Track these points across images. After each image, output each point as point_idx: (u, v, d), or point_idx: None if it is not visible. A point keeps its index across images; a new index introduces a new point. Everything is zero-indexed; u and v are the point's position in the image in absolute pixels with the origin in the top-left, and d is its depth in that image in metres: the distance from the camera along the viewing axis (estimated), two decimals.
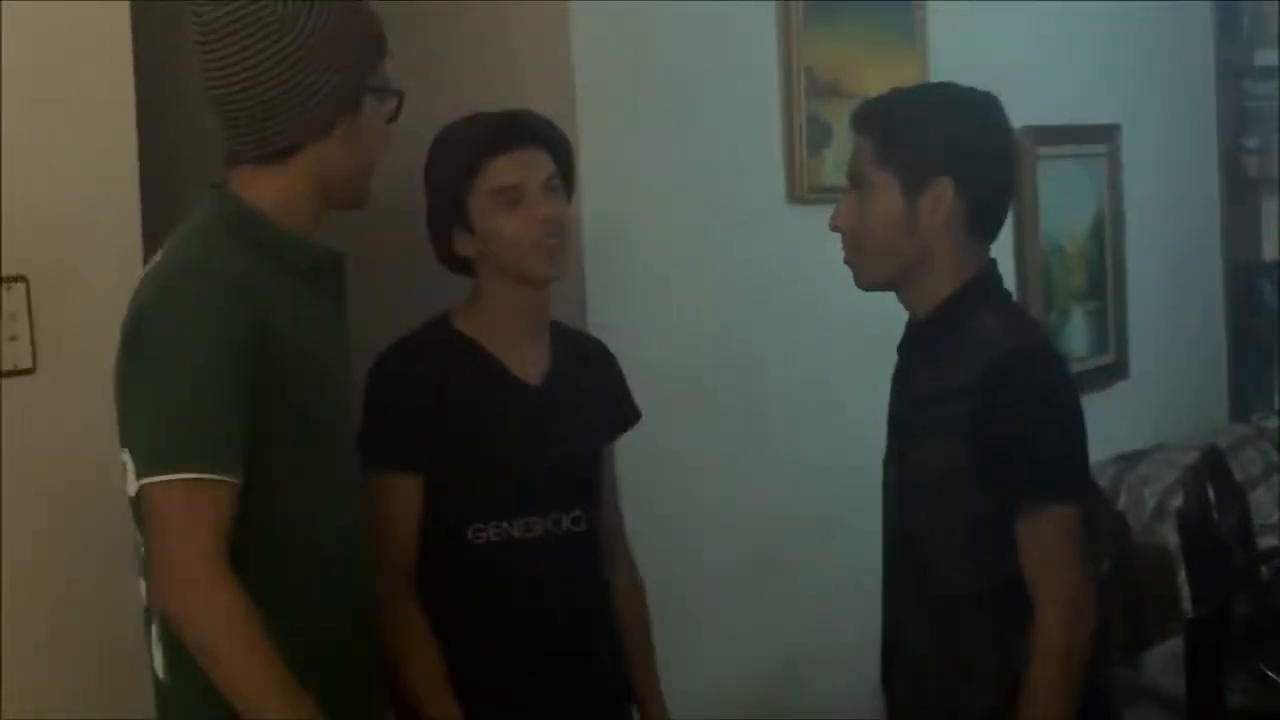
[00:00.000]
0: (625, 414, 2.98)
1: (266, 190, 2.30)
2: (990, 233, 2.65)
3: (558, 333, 2.87)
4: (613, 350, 2.97)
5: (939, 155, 2.55)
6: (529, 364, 2.79)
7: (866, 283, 2.66)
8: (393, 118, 2.39)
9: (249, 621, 2.13)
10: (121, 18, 2.67)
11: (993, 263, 2.66)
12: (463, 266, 2.81)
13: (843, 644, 3.92)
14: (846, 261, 2.64)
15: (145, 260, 2.63)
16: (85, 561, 2.65)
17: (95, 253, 2.66)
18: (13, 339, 2.53)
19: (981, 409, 2.47)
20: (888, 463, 2.73)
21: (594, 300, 3.34)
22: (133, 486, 2.22)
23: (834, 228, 2.64)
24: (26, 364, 2.55)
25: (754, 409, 3.75)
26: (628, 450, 3.41)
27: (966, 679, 2.54)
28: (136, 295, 2.28)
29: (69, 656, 2.62)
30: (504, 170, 2.73)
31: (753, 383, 3.75)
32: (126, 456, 2.23)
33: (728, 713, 3.60)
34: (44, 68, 2.59)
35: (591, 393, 2.88)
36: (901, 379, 2.70)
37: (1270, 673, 3.69)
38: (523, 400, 2.76)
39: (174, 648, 2.24)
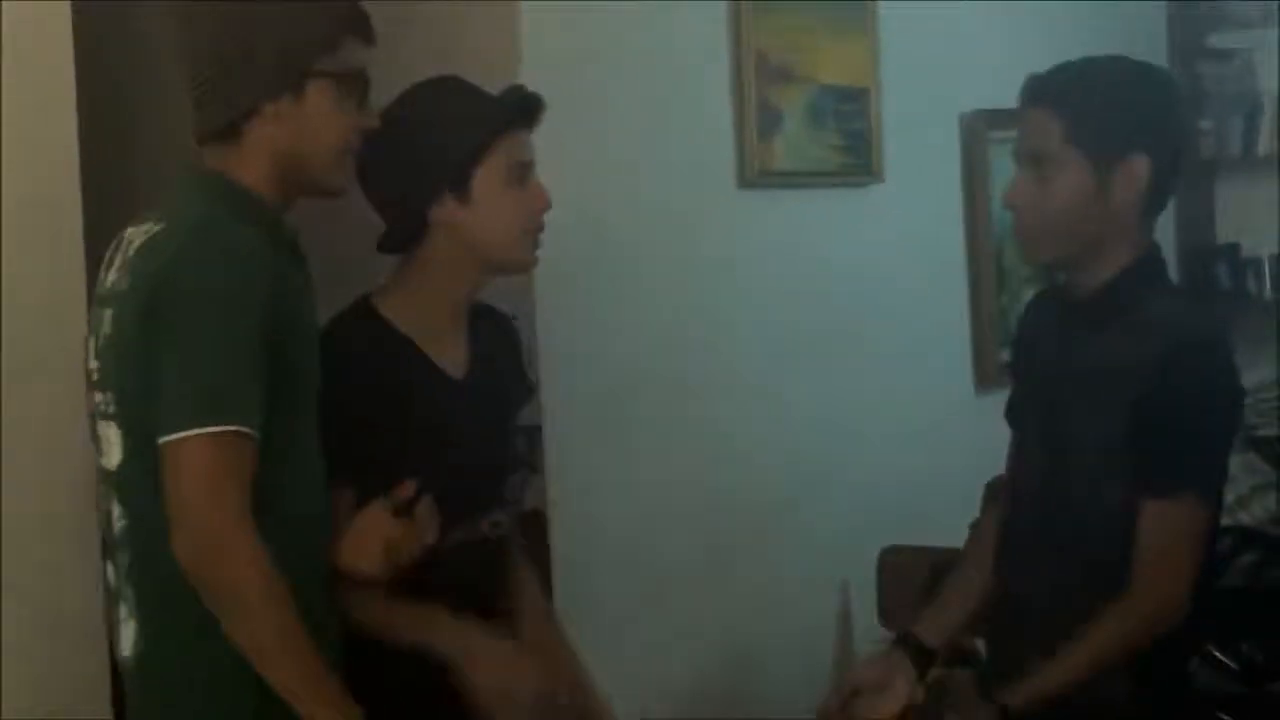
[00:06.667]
0: (522, 393, 2.87)
1: (231, 169, 2.32)
2: (1159, 211, 2.58)
3: (470, 311, 2.71)
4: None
5: (1136, 132, 2.47)
6: (451, 354, 2.64)
7: (1042, 260, 2.61)
8: (361, 103, 2.37)
9: (283, 604, 2.14)
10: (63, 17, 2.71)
11: (1157, 244, 2.60)
12: (405, 244, 2.63)
13: (795, 630, 3.94)
14: (1018, 236, 2.59)
15: (86, 251, 2.64)
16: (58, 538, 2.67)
17: (37, 245, 2.66)
18: None
19: (1153, 392, 2.41)
20: (1026, 437, 2.64)
21: (543, 285, 3.33)
22: (115, 458, 2.22)
23: (1009, 206, 2.57)
24: None
25: (705, 393, 3.75)
26: (580, 435, 3.42)
27: None
28: (143, 262, 2.23)
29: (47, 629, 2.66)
30: (524, 146, 2.65)
31: (704, 366, 3.75)
32: (110, 429, 2.23)
33: (680, 700, 3.61)
34: None
35: (505, 376, 2.77)
36: (1059, 353, 2.59)
37: (1219, 655, 3.70)
38: (446, 395, 2.60)
39: (151, 624, 2.23)
